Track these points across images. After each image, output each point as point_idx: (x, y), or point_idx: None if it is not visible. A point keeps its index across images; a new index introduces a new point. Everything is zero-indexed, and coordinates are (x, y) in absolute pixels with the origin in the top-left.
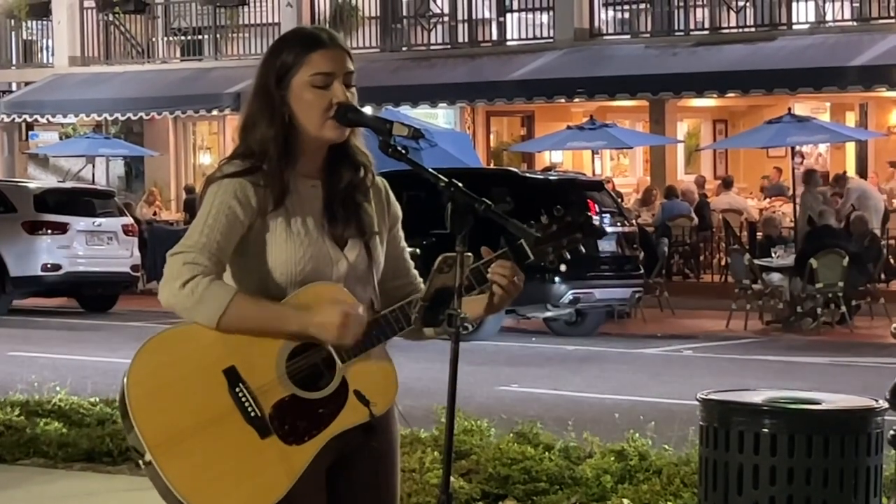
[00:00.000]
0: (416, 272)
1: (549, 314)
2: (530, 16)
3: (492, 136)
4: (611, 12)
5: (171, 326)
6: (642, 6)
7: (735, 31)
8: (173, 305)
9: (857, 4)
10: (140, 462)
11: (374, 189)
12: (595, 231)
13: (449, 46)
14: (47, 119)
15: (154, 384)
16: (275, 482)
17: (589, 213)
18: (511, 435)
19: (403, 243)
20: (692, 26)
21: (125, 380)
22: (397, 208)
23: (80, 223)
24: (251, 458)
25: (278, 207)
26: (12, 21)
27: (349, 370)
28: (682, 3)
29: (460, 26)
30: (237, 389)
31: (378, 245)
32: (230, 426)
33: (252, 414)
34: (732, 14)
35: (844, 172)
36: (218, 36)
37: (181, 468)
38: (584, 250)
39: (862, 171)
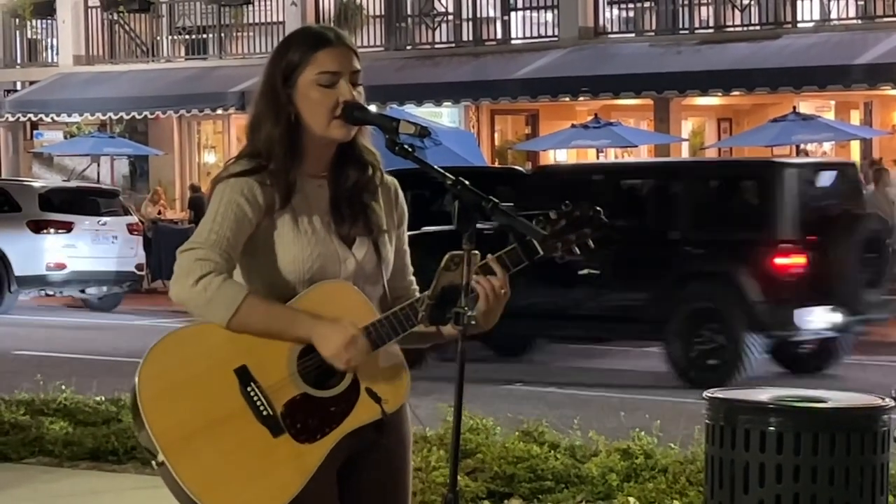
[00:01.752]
0: (413, 278)
1: None
2: (535, 14)
3: (496, 135)
4: (615, 11)
5: (182, 326)
6: (647, 4)
7: (739, 29)
8: (185, 301)
9: (862, 3)
10: (153, 463)
11: (382, 188)
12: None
13: (453, 45)
14: (52, 118)
15: (165, 384)
16: (288, 481)
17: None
18: (517, 433)
19: (406, 247)
20: (697, 25)
21: (136, 379)
22: (405, 209)
23: (84, 222)
24: (264, 456)
25: (285, 206)
26: (17, 20)
27: (360, 368)
28: (686, 2)
29: (465, 25)
30: (249, 388)
31: (387, 243)
32: (242, 425)
33: (264, 413)
34: (737, 12)
35: (880, 159)
36: (222, 35)
37: (194, 467)
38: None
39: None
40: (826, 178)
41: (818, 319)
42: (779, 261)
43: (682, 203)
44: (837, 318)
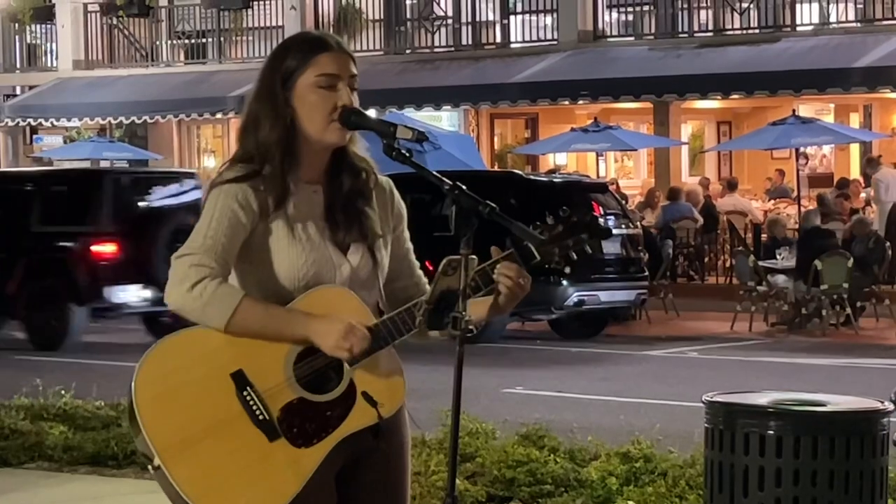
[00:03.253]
0: (420, 273)
1: (553, 316)
2: (534, 18)
3: (496, 139)
4: (614, 14)
5: (178, 331)
6: (646, 8)
7: (739, 32)
8: (181, 307)
9: (861, 6)
10: (149, 467)
11: (377, 189)
12: (601, 231)
13: (453, 49)
14: (51, 123)
15: (162, 388)
16: (284, 485)
17: (594, 214)
18: (516, 437)
19: (409, 244)
20: (696, 28)
21: (133, 384)
22: (402, 208)
23: None
24: (260, 461)
25: (279, 210)
26: (16, 25)
27: (357, 373)
28: (685, 5)
29: (464, 28)
30: (245, 393)
31: (382, 248)
32: (239, 429)
33: (260, 417)
34: (736, 16)
35: (879, 157)
36: (222, 39)
37: (190, 472)
38: (590, 251)
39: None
40: (155, 184)
41: (131, 295)
42: (94, 248)
43: (36, 203)
44: (148, 294)
